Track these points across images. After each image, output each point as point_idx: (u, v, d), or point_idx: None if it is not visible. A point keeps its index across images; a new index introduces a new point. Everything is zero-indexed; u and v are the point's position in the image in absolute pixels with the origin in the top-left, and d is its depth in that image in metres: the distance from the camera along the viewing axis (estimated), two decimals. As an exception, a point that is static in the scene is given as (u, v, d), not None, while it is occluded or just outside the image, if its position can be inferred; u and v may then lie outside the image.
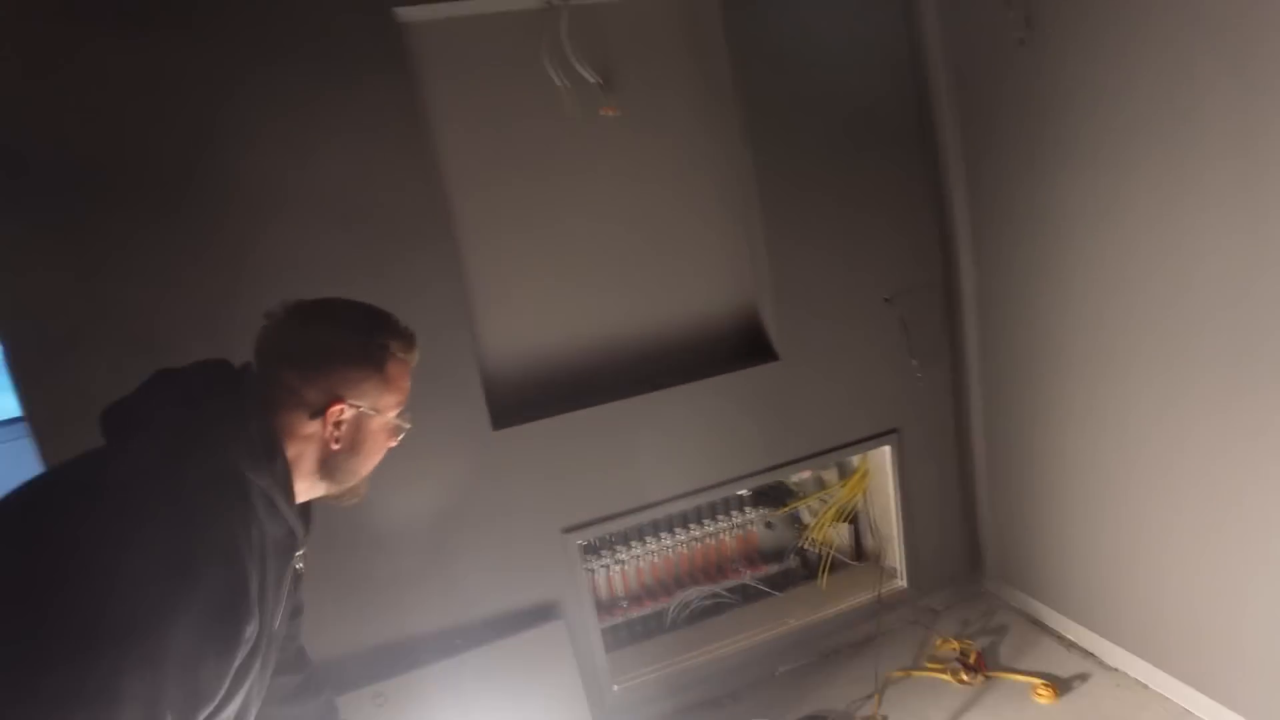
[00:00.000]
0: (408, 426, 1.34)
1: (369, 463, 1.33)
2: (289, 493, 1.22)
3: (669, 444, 2.26)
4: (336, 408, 1.22)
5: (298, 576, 1.35)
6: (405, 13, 1.96)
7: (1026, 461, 2.40)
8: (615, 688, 2.33)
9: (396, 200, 1.98)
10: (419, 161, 1.99)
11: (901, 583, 2.58)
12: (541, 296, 2.23)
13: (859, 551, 2.71)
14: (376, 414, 1.27)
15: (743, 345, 2.41)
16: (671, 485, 2.29)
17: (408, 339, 1.30)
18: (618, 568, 2.46)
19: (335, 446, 1.25)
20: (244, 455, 1.15)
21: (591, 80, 2.11)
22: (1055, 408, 2.24)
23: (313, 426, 1.23)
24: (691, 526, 2.50)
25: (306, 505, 1.35)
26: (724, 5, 2.15)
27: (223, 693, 1.06)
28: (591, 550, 2.40)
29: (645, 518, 2.31)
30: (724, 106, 2.26)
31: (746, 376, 2.31)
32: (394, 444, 1.37)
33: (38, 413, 1.80)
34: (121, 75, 1.77)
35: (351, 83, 1.92)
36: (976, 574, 2.69)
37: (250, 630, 1.08)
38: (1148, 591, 2.10)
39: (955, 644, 2.43)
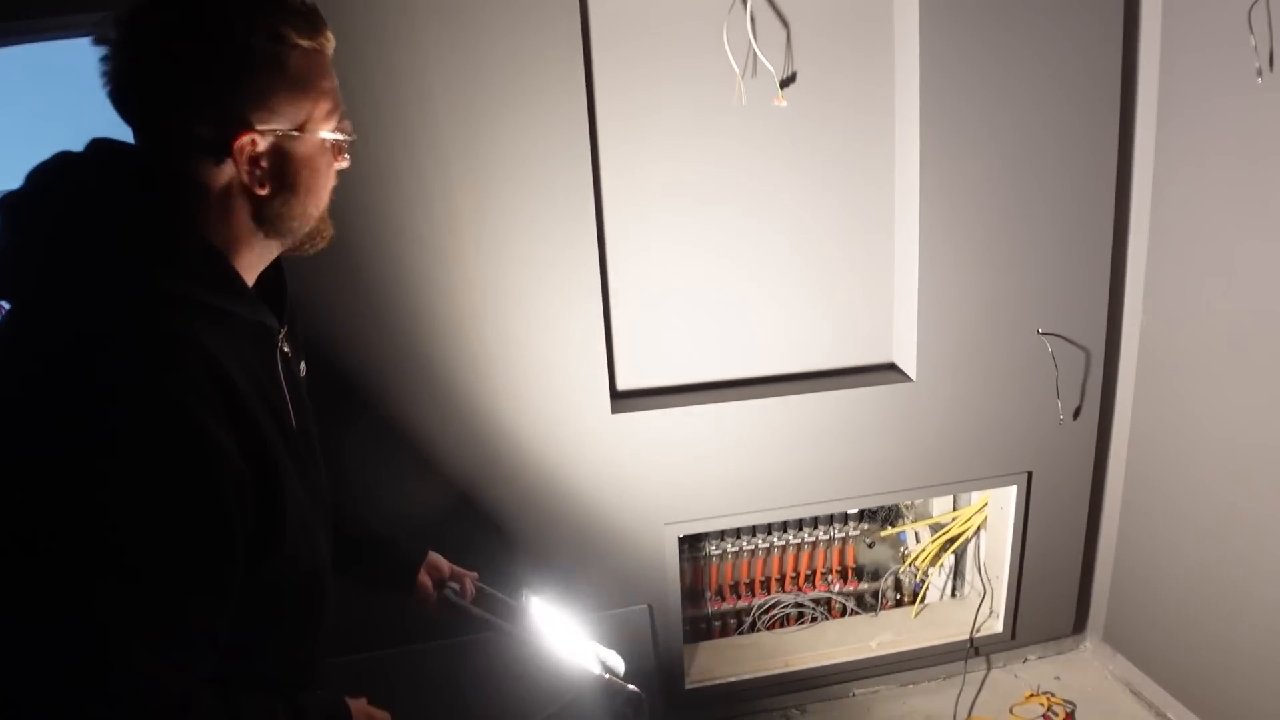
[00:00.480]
0: (351, 138, 1.02)
1: (318, 198, 1.02)
2: (224, 286, 0.95)
3: (787, 452, 2.16)
4: (243, 139, 0.91)
5: (288, 362, 1.08)
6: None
7: (1164, 525, 2.22)
8: (688, 685, 2.28)
9: (547, 162, 1.90)
10: (575, 128, 1.91)
11: (998, 627, 2.45)
12: (674, 278, 2.12)
13: (957, 586, 2.59)
14: (301, 133, 0.95)
15: (876, 358, 2.28)
16: (785, 495, 2.19)
17: (305, 15, 0.95)
18: (706, 561, 2.39)
19: (263, 191, 0.95)
20: (152, 266, 0.88)
21: (770, 68, 1.97)
22: (1208, 476, 2.06)
23: (225, 174, 0.93)
24: (790, 531, 2.41)
25: (277, 273, 1.08)
26: (922, 11, 1.97)
27: (232, 555, 0.89)
28: (684, 540, 2.34)
29: (749, 521, 2.23)
30: (899, 104, 2.09)
31: (876, 393, 2.17)
32: (343, 164, 1.04)
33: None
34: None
35: (526, 47, 1.84)
36: (1080, 631, 2.54)
37: (229, 477, 0.88)
38: (1275, 686, 1.93)
39: (1044, 700, 2.31)
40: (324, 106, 0.97)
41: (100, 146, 0.97)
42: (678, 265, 2.11)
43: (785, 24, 2.00)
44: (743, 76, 1.98)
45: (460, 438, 1.99)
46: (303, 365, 1.14)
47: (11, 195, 0.92)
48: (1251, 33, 1.79)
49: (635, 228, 2.07)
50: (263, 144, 0.93)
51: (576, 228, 1.95)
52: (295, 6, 0.94)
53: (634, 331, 2.13)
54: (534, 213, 1.92)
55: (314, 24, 0.95)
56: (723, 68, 1.97)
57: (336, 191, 1.05)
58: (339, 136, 1.00)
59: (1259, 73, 1.80)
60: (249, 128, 0.91)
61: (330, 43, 0.98)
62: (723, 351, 2.19)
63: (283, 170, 0.96)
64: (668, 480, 2.12)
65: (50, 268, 0.88)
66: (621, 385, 2.14)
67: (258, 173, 0.94)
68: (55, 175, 0.95)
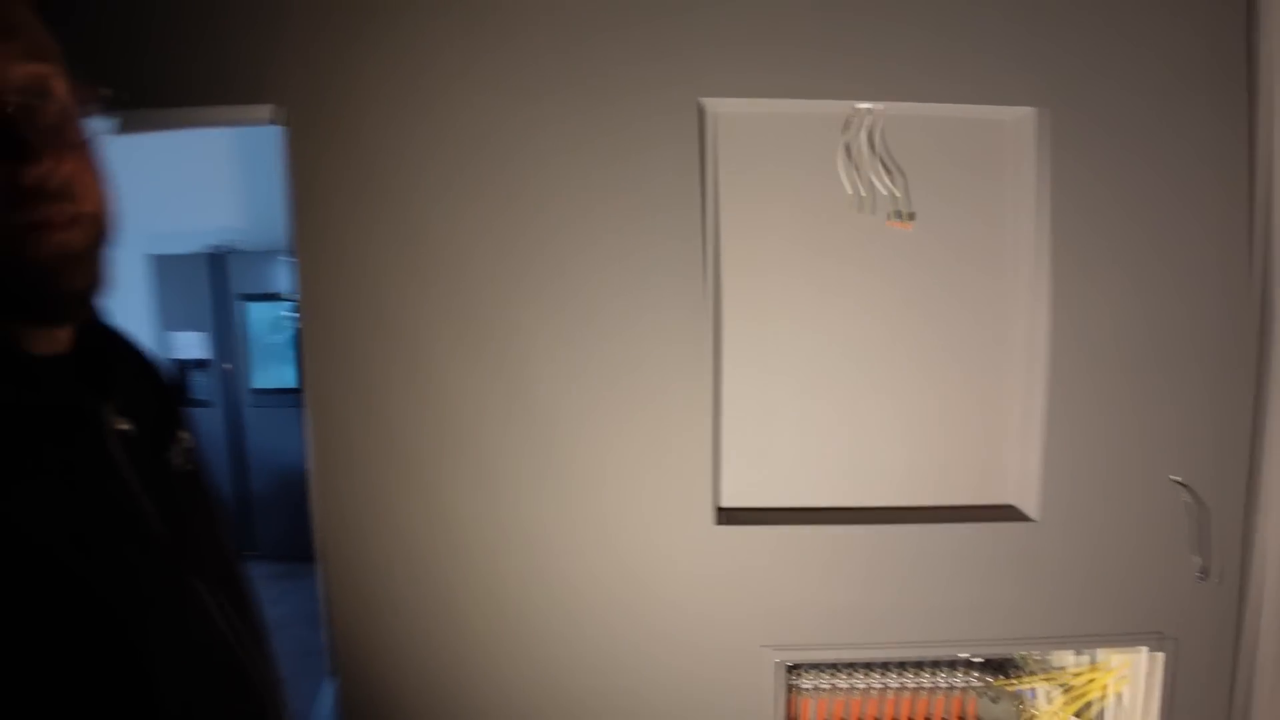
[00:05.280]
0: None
1: None
2: None
3: (899, 585, 2.10)
4: None
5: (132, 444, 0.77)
6: (710, 103, 2.01)
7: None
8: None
9: (665, 276, 2.02)
10: (691, 238, 2.02)
11: (1131, 807, 2.21)
12: (786, 398, 2.16)
13: (1088, 755, 2.36)
14: None
15: (990, 498, 2.21)
16: (893, 631, 2.12)
17: None
18: (798, 694, 2.28)
19: None
20: None
21: (885, 191, 2.05)
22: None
23: None
24: (903, 673, 2.28)
25: (97, 334, 0.82)
26: (1054, 160, 2.01)
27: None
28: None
29: (854, 654, 2.15)
30: (1028, 243, 2.11)
31: (994, 531, 2.10)
32: None
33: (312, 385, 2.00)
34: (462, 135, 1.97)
35: (645, 161, 1.99)
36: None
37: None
38: None
39: None
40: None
41: None
42: (791, 386, 2.15)
43: (895, 159, 2.09)
44: (865, 199, 2.06)
45: (562, 539, 2.04)
46: (185, 440, 0.87)
47: None
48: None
49: (752, 346, 2.13)
50: None
51: (693, 337, 2.03)
52: None
53: (742, 449, 2.15)
54: (652, 322, 2.02)
55: None
56: (844, 190, 2.07)
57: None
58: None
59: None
60: None
61: None
62: (828, 477, 2.18)
63: None
64: (767, 600, 2.09)
65: None
66: (726, 502, 2.15)
67: None
68: None
